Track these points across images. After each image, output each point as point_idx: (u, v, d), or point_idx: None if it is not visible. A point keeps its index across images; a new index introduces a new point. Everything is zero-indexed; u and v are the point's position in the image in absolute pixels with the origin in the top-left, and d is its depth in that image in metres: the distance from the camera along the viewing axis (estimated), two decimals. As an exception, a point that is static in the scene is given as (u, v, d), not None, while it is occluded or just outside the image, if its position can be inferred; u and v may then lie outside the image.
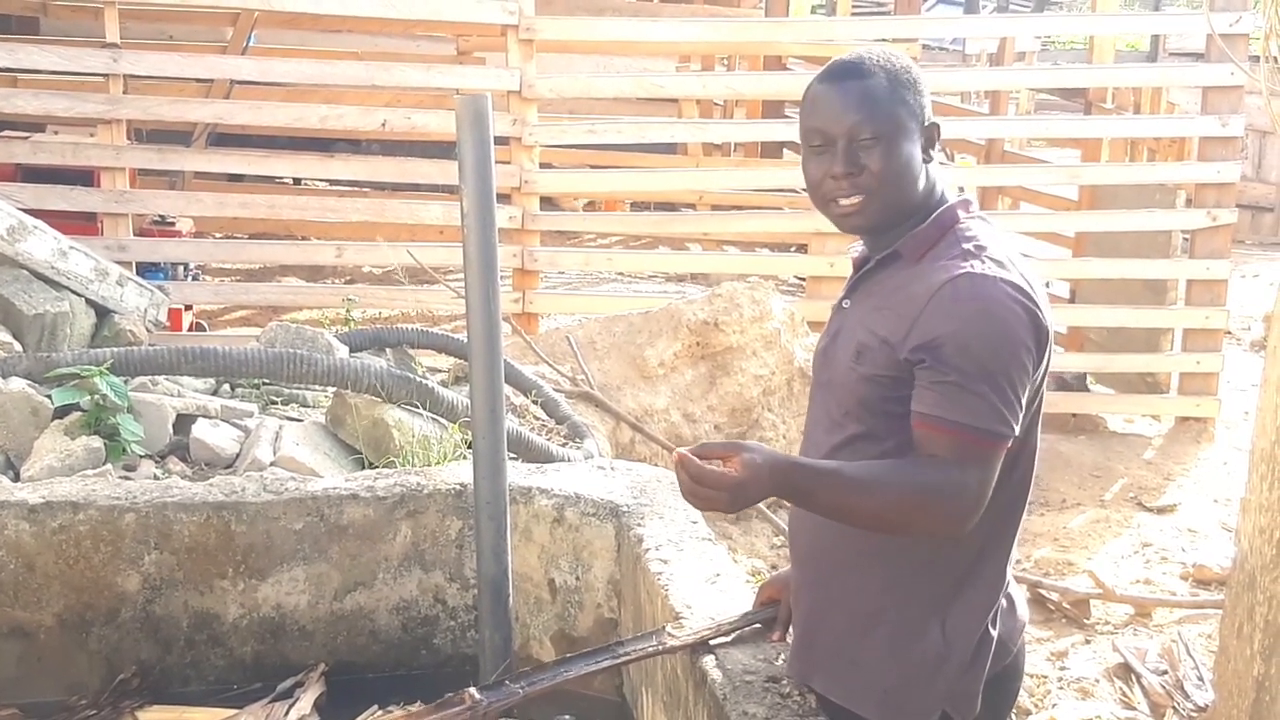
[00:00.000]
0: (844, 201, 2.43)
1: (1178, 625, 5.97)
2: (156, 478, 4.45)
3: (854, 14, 13.18)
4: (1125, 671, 5.51)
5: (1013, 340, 2.28)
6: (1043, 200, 10.51)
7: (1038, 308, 2.32)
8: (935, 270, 2.35)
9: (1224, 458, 8.44)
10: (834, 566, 2.56)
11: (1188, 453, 8.50)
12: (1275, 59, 3.05)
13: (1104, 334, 9.31)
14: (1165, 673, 5.44)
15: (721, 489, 2.29)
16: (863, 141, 2.38)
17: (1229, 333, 9.66)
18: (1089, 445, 8.50)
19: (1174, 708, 5.21)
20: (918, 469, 2.32)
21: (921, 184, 2.44)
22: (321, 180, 12.12)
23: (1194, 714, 5.17)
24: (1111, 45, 10.71)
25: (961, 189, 2.44)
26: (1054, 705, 5.20)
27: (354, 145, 12.03)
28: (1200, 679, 5.36)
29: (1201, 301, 8.76)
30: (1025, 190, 10.61)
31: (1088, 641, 5.90)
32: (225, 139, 10.98)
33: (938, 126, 2.45)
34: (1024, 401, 2.31)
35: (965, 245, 2.37)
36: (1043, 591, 6.24)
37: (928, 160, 2.45)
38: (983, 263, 2.33)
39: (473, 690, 2.98)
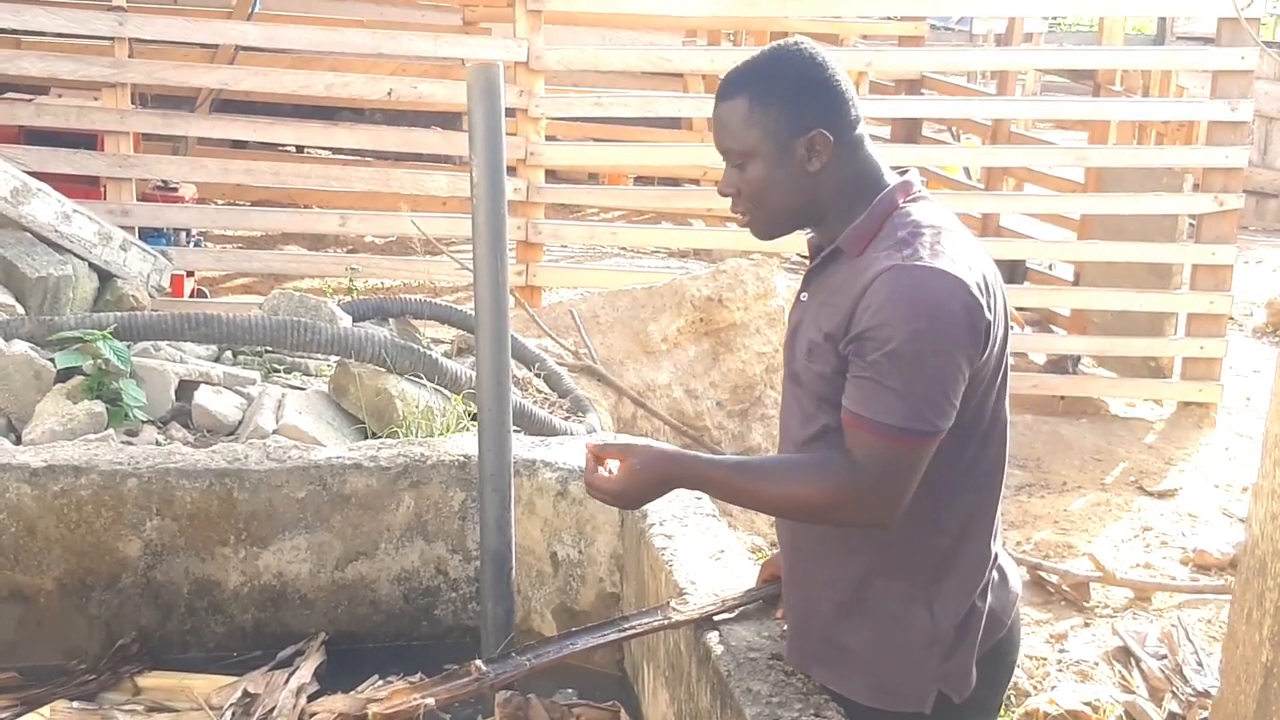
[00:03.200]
0: (740, 219, 2.52)
1: (1177, 610, 5.96)
2: (159, 443, 4.44)
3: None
4: (1124, 655, 5.50)
5: (941, 336, 2.23)
6: (1049, 182, 10.48)
7: (973, 292, 2.25)
8: (871, 263, 2.31)
9: (1225, 443, 8.43)
10: (817, 555, 2.56)
11: (1189, 438, 8.49)
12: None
13: (1107, 317, 9.29)
14: (1164, 657, 5.44)
15: (606, 494, 2.52)
16: (733, 164, 2.43)
17: (1232, 318, 9.63)
18: (1090, 428, 8.49)
19: (1173, 692, 5.21)
20: (822, 465, 2.37)
21: (817, 189, 2.41)
22: (325, 149, 12.07)
23: (1192, 699, 5.17)
24: (1121, 27, 10.67)
25: (903, 171, 2.40)
26: (1053, 687, 5.19)
27: (357, 114, 11.99)
28: (1199, 664, 5.36)
29: (1206, 286, 8.74)
30: (1031, 172, 10.57)
31: (1087, 624, 5.90)
32: (229, 105, 10.94)
33: (822, 134, 2.36)
34: (955, 392, 2.27)
35: (900, 233, 2.32)
36: (1043, 574, 6.24)
37: (817, 166, 2.38)
38: (915, 251, 2.27)
39: (479, 662, 2.98)
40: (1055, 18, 23.80)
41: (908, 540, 2.42)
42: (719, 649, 2.86)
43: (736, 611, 3.01)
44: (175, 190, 8.49)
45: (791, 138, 2.37)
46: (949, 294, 2.24)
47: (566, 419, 5.33)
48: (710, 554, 3.38)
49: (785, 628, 2.87)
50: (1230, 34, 8.31)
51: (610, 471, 2.51)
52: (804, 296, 2.52)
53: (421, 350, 5.08)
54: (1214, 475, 7.88)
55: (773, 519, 6.41)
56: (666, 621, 3.05)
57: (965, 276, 2.26)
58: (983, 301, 2.26)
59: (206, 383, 4.93)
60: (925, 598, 2.45)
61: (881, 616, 2.47)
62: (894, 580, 2.46)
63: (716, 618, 2.99)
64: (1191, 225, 9.09)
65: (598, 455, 2.54)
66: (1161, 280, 9.04)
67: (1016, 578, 2.65)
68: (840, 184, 2.42)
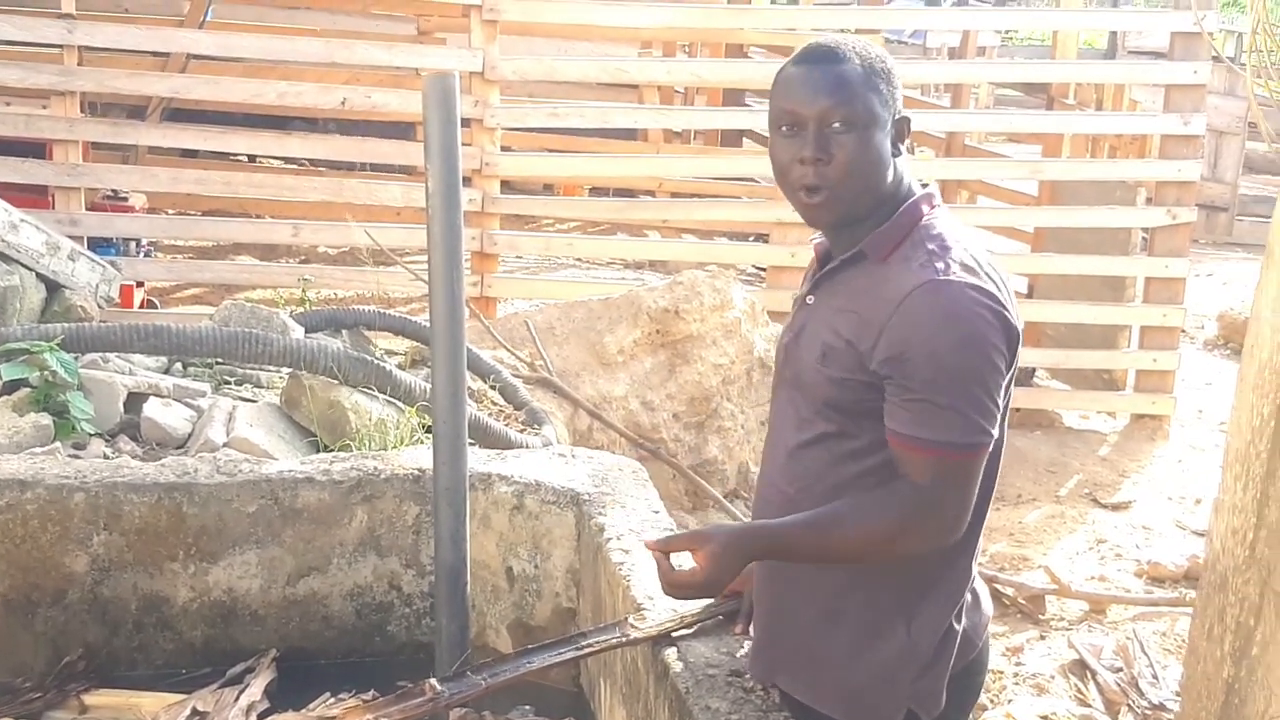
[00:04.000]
0: (807, 197, 2.37)
1: (1132, 622, 5.97)
2: (107, 457, 4.37)
3: (818, 4, 13.13)
4: (1080, 668, 5.51)
5: (983, 345, 2.24)
6: (1002, 195, 10.51)
7: (1005, 309, 2.28)
8: (902, 274, 2.30)
9: (1178, 455, 8.47)
10: (796, 567, 2.53)
11: (1142, 450, 8.53)
12: (1262, 52, 3.03)
13: (1061, 330, 9.32)
14: (1120, 670, 5.44)
15: (696, 589, 2.47)
16: (833, 128, 2.31)
17: (1184, 331, 9.69)
18: (1045, 441, 8.51)
19: (1129, 705, 5.22)
20: (889, 499, 2.32)
21: (889, 178, 2.38)
22: (277, 158, 11.97)
23: (1148, 712, 5.17)
24: (1075, 41, 10.73)
25: (925, 184, 2.40)
26: (1010, 701, 5.19)
27: (310, 123, 11.90)
28: (1155, 677, 5.37)
29: (1159, 299, 8.78)
30: (985, 184, 10.61)
31: (1043, 637, 5.90)
32: (181, 114, 10.82)
33: (909, 120, 2.40)
34: (998, 400, 2.28)
35: (930, 246, 2.32)
36: (998, 587, 6.23)
37: (897, 154, 2.38)
38: (948, 266, 2.27)
39: (434, 681, 2.94)
40: (1008, 32, 23.94)
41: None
42: (677, 666, 2.83)
43: (695, 628, 2.98)
44: (125, 200, 8.40)
45: (890, 117, 2.35)
46: (986, 307, 2.25)
47: (522, 431, 5.28)
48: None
49: (746, 643, 2.84)
50: (1183, 48, 8.36)
51: (678, 565, 2.52)
52: (810, 300, 2.48)
53: (375, 362, 5.02)
54: (1167, 487, 7.91)
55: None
56: (624, 639, 3.02)
57: (995, 290, 2.28)
58: (1010, 313, 2.29)
59: (156, 395, 4.85)
60: (905, 614, 2.43)
61: (860, 629, 2.45)
62: (875, 593, 2.44)
63: (675, 634, 2.96)
64: (1144, 238, 9.13)
65: (666, 551, 2.52)
66: (1115, 293, 9.08)
67: (988, 600, 2.64)
68: (897, 178, 2.40)
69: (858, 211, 2.38)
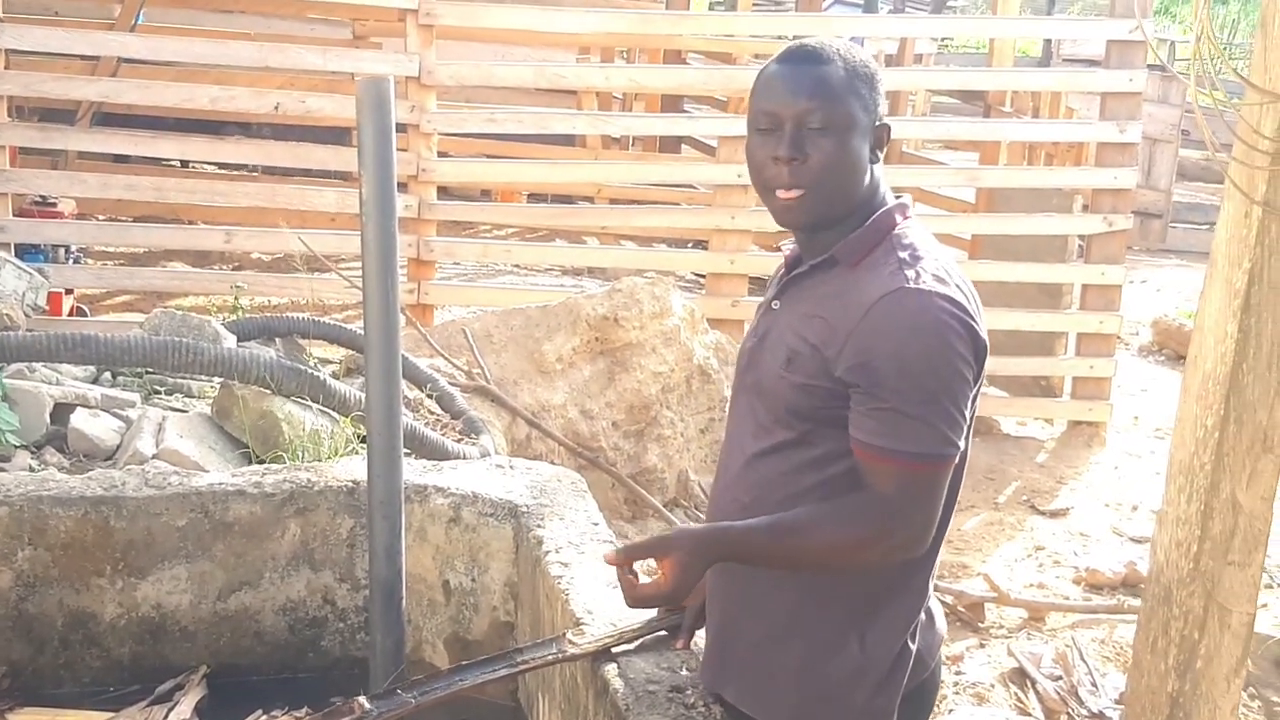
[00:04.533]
0: (782, 194, 2.33)
1: (1071, 630, 5.98)
2: (32, 470, 4.28)
3: (756, 10, 13.13)
4: (1020, 676, 5.50)
5: (951, 356, 2.21)
6: (940, 202, 10.55)
7: (974, 321, 2.26)
8: (871, 281, 2.27)
9: (1115, 462, 8.51)
10: (749, 574, 2.48)
11: (1079, 457, 8.56)
12: (1205, 60, 3.02)
13: (998, 336, 9.29)
14: (1059, 678, 5.44)
15: (660, 599, 2.46)
16: (811, 129, 2.29)
17: (1119, 338, 9.74)
18: (982, 447, 8.51)
19: (1068, 714, 5.22)
20: (857, 507, 2.28)
21: (865, 183, 2.35)
22: (209, 163, 11.82)
23: (1087, 720, 5.18)
24: (1011, 49, 10.78)
25: (899, 194, 2.38)
26: (950, 711, 5.17)
27: (243, 128, 11.76)
28: (1094, 685, 5.37)
29: (1096, 306, 8.82)
30: (922, 191, 10.63)
31: (982, 645, 5.89)
32: (111, 118, 10.66)
33: (888, 128, 2.37)
34: (965, 413, 2.25)
35: (902, 254, 2.29)
36: (938, 595, 6.22)
37: (874, 160, 2.36)
38: (918, 275, 2.25)
39: (362, 699, 2.87)
40: (943, 40, 24.09)
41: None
42: (617, 682, 2.78)
43: (636, 643, 2.93)
44: (54, 205, 8.24)
45: (870, 121, 2.33)
46: (955, 317, 2.22)
47: (460, 441, 5.22)
48: (608, 582, 3.29)
49: (686, 659, 2.80)
50: (1119, 56, 8.40)
51: (636, 574, 2.50)
52: (776, 305, 2.45)
53: (308, 371, 4.94)
54: (1104, 494, 7.94)
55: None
56: (562, 655, 2.96)
57: (965, 301, 2.26)
58: (978, 325, 2.26)
59: (83, 405, 4.75)
60: (859, 630, 2.39)
61: (813, 644, 2.40)
62: (829, 608, 2.40)
63: (615, 650, 2.91)
64: (1081, 246, 9.17)
65: (626, 562, 2.48)
66: (1052, 300, 9.11)
67: (942, 619, 2.61)
68: (872, 184, 2.38)
69: (832, 214, 2.36)
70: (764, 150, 2.34)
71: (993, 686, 5.41)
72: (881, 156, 2.38)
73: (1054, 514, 7.59)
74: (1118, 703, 5.24)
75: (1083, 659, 5.54)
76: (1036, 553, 7.01)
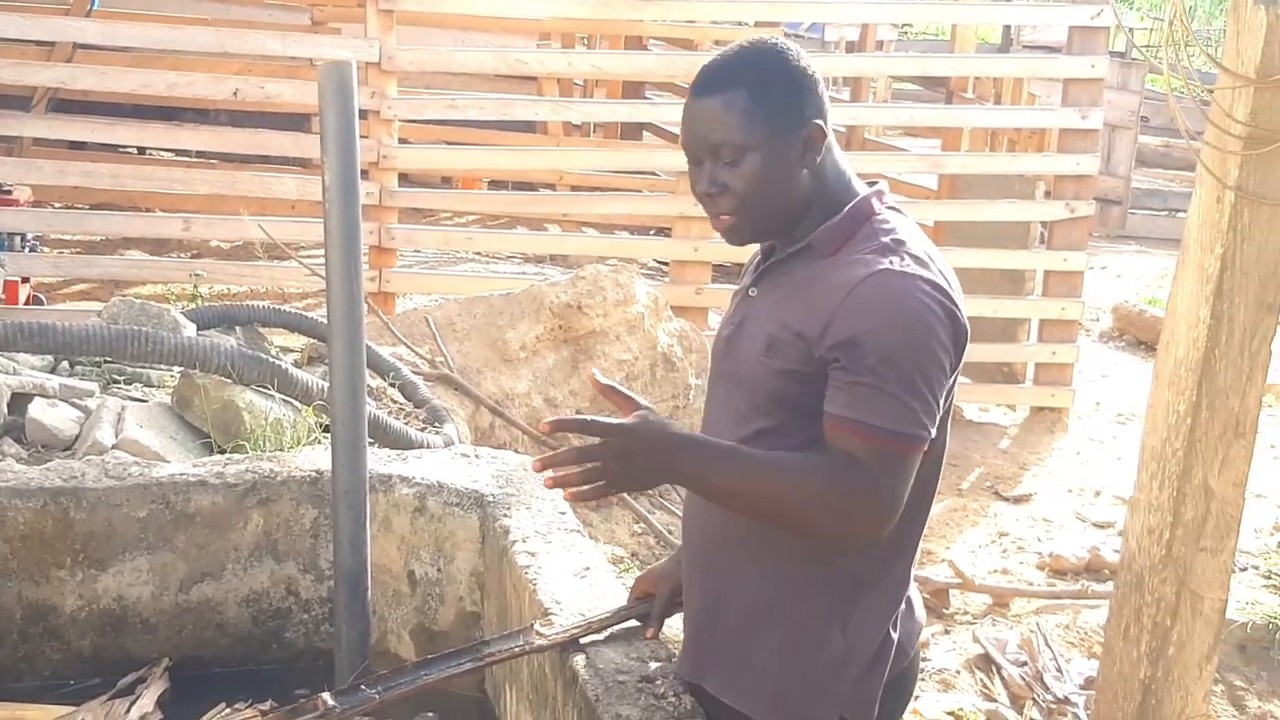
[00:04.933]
0: (717, 221, 2.37)
1: (1036, 615, 5.98)
2: (-11, 460, 4.21)
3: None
4: (985, 663, 5.50)
5: (930, 340, 2.19)
6: (902, 189, 10.53)
7: (955, 306, 2.24)
8: (852, 264, 2.25)
9: (1077, 448, 8.54)
10: (729, 561, 2.45)
11: (1042, 442, 8.58)
12: (1179, 44, 3.01)
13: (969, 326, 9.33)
14: (1025, 664, 5.45)
15: (610, 436, 2.21)
16: (725, 162, 2.29)
17: (1080, 324, 9.77)
18: (948, 438, 8.53)
19: (1034, 699, 5.22)
20: (829, 465, 2.21)
21: (806, 188, 2.34)
22: (166, 150, 11.71)
23: (1053, 706, 5.18)
24: (974, 35, 10.80)
25: (874, 182, 2.37)
26: (916, 697, 5.16)
27: (201, 115, 11.66)
28: (1059, 670, 5.38)
29: (1058, 293, 8.84)
30: (884, 178, 10.61)
31: (947, 632, 5.89)
32: (67, 105, 10.55)
33: (819, 126, 2.32)
34: (940, 400, 2.23)
35: (883, 239, 2.28)
36: (903, 581, 6.22)
37: (808, 163, 2.33)
38: (902, 259, 2.23)
39: (326, 695, 2.83)
40: (904, 26, 24.12)
41: (830, 553, 2.34)
42: (586, 672, 2.75)
43: (605, 633, 2.90)
44: (9, 193, 8.14)
45: (790, 131, 2.30)
46: (937, 301, 2.21)
47: (423, 430, 5.18)
48: (575, 571, 3.27)
49: (655, 649, 2.78)
50: (1081, 42, 8.42)
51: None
52: (753, 292, 2.43)
53: (270, 360, 4.89)
54: (1067, 480, 7.96)
55: (634, 529, 6.32)
56: (529, 647, 2.93)
57: (946, 286, 2.24)
58: (959, 311, 2.25)
59: (41, 395, 4.69)
60: (840, 619, 2.36)
61: (793, 632, 2.37)
62: (810, 596, 2.36)
63: (583, 639, 2.88)
64: (1044, 232, 9.19)
65: (560, 430, 2.32)
66: (1014, 286, 9.13)
67: (921, 608, 2.59)
68: (822, 183, 2.35)
69: (774, 228, 2.37)
70: (695, 183, 2.36)
71: (958, 673, 5.42)
72: (821, 155, 2.34)
73: (1017, 500, 7.61)
74: (1083, 688, 5.26)
75: (1047, 644, 5.54)
76: (1000, 539, 7.02)
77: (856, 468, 2.18)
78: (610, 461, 2.22)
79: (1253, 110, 3.08)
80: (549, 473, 2.27)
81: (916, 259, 2.25)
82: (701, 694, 2.58)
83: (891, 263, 2.23)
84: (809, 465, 2.23)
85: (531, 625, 2.99)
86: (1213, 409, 3.06)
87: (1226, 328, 3.07)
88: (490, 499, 3.76)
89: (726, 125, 2.27)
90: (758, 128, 2.27)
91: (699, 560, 2.54)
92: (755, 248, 2.53)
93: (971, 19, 10.45)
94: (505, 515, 3.64)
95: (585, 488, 2.26)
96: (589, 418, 2.28)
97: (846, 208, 2.34)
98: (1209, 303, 3.08)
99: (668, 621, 2.84)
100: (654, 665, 2.76)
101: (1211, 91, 3.11)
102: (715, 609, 2.50)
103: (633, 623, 2.91)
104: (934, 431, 2.23)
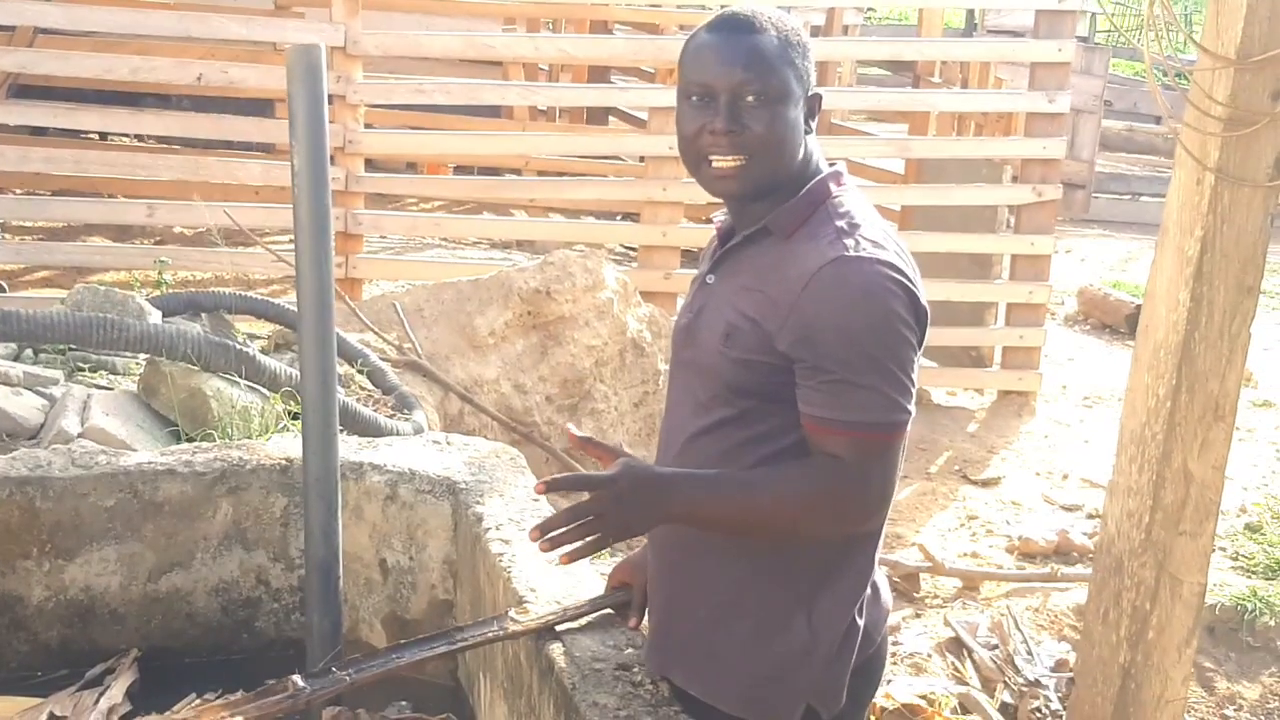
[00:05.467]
0: (719, 163, 2.28)
1: (1006, 599, 6.00)
2: (-48, 450, 4.15)
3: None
4: (956, 646, 5.51)
5: (895, 321, 2.18)
6: (869, 173, 10.54)
7: (914, 286, 2.23)
8: (809, 251, 2.23)
9: (1045, 431, 8.57)
10: (693, 553, 2.43)
11: (1010, 426, 8.61)
12: (1162, 25, 3.00)
13: (929, 307, 9.34)
14: (995, 647, 5.46)
15: (600, 488, 2.23)
16: (748, 101, 2.24)
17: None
18: (914, 418, 8.53)
19: (1004, 682, 5.24)
20: (815, 472, 2.21)
21: (800, 154, 2.31)
22: (128, 136, 11.60)
23: (1024, 689, 5.20)
24: (940, 20, 10.79)
25: (833, 162, 2.35)
26: (888, 681, 5.16)
27: (163, 100, 11.55)
28: (1029, 653, 5.40)
29: (1025, 277, 8.86)
30: (851, 163, 10.60)
31: (918, 615, 5.90)
32: (28, 90, 10.43)
33: (820, 97, 2.32)
34: (913, 378, 2.21)
35: (839, 223, 2.25)
36: (873, 565, 6.22)
37: (808, 130, 2.32)
38: (857, 243, 2.21)
39: (295, 678, 2.81)
40: (868, 10, 24.12)
41: (795, 546, 2.32)
42: (562, 660, 2.74)
43: (581, 621, 2.88)
44: (-31, 179, 8.07)
45: (804, 92, 2.28)
46: (896, 283, 2.19)
47: (392, 417, 5.14)
48: (551, 560, 3.23)
49: (632, 637, 2.76)
50: (1048, 26, 8.42)
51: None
52: (710, 279, 2.40)
53: (237, 347, 4.84)
54: (1035, 463, 7.99)
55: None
56: (503, 632, 2.91)
57: (904, 267, 2.23)
58: (918, 290, 2.24)
59: (5, 384, 4.63)
60: (805, 607, 2.34)
61: (759, 622, 2.36)
62: (775, 586, 2.35)
63: (559, 627, 2.86)
64: (1011, 216, 9.20)
65: (554, 490, 2.33)
66: (982, 270, 9.14)
67: (888, 592, 2.58)
68: (806, 154, 2.34)
69: (769, 184, 2.31)
70: (696, 121, 2.29)
71: (930, 656, 5.42)
72: (814, 126, 2.34)
73: (986, 483, 7.63)
74: (1053, 670, 5.27)
75: (1018, 628, 5.56)
76: (969, 522, 7.04)
77: (841, 468, 2.18)
78: (603, 513, 2.24)
79: (1232, 91, 3.07)
80: (546, 539, 2.29)
81: (872, 241, 2.23)
82: (671, 685, 2.58)
83: (847, 246, 2.21)
84: (794, 476, 2.23)
85: (506, 613, 2.97)
86: (1192, 392, 3.06)
87: (1206, 310, 3.07)
88: (463, 486, 3.73)
89: (762, 65, 2.24)
90: (789, 75, 2.25)
91: (664, 556, 2.53)
92: (712, 231, 2.51)
93: (938, 3, 10.45)
94: (478, 503, 3.61)
95: (581, 544, 2.27)
96: (579, 475, 2.33)
97: (804, 189, 2.32)
98: (1189, 285, 3.07)
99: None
100: (630, 653, 2.74)
101: (1189, 73, 3.10)
102: (680, 603, 2.49)
103: (608, 612, 2.89)
104: (913, 409, 2.22)
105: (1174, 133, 3.16)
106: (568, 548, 2.29)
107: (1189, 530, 2.97)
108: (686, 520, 2.32)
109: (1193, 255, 3.05)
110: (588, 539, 2.26)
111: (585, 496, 2.28)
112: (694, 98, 2.29)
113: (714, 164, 2.29)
